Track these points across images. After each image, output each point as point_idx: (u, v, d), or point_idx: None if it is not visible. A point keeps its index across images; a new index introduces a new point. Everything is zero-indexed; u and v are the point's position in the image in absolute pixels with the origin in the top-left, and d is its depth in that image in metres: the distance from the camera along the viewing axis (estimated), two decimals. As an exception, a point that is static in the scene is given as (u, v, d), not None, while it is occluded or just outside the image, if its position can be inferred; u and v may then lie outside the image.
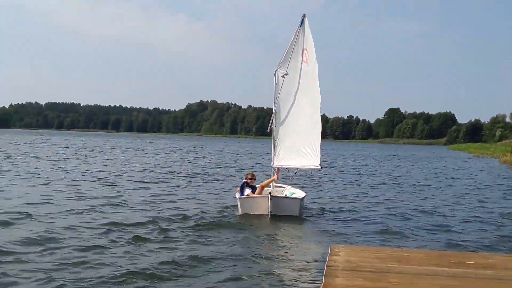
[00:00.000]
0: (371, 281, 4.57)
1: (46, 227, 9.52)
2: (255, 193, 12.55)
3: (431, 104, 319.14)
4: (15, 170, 21.20)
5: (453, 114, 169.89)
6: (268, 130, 13.70)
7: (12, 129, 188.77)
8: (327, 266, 5.02)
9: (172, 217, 11.22)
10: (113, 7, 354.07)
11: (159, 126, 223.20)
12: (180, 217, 11.34)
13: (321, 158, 13.20)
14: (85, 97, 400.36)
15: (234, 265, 7.57)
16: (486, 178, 28.53)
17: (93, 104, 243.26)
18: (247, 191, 12.65)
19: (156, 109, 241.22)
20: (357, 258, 5.40)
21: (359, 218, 12.40)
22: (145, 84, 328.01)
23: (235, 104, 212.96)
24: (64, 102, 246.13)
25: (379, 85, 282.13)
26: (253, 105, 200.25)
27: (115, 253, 7.96)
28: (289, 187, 14.02)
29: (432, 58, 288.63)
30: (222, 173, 24.92)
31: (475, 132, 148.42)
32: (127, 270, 6.97)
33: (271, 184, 13.31)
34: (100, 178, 19.40)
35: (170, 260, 7.58)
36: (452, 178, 27.73)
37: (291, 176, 14.66)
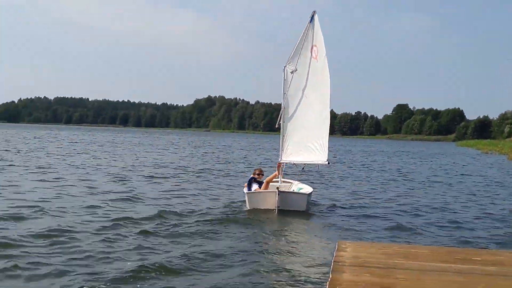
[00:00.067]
0: (378, 277, 4.61)
1: (58, 222, 9.67)
2: (261, 188, 12.65)
3: (440, 100, 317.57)
4: (26, 165, 21.40)
5: (462, 110, 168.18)
6: (277, 126, 13.76)
7: (21, 124, 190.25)
8: (334, 261, 5.05)
9: (182, 212, 11.36)
10: (122, 1, 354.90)
11: (167, 121, 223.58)
12: (190, 212, 11.47)
13: (329, 154, 13.24)
14: (94, 92, 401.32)
15: (243, 260, 7.67)
16: (496, 174, 28.39)
17: (101, 99, 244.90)
18: (255, 186, 12.77)
19: (164, 104, 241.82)
20: (364, 254, 5.43)
21: (368, 214, 12.41)
22: (153, 80, 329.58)
23: (243, 99, 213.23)
24: (73, 97, 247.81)
25: (387, 82, 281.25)
26: (261, 100, 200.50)
27: (126, 248, 8.08)
28: (296, 182, 14.07)
29: (442, 55, 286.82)
30: (231, 169, 25.00)
31: (484, 129, 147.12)
32: (138, 264, 7.09)
33: (279, 179, 13.38)
34: (111, 173, 19.57)
35: (180, 255, 7.68)
36: (462, 174, 27.62)
37: (299, 171, 14.69)
